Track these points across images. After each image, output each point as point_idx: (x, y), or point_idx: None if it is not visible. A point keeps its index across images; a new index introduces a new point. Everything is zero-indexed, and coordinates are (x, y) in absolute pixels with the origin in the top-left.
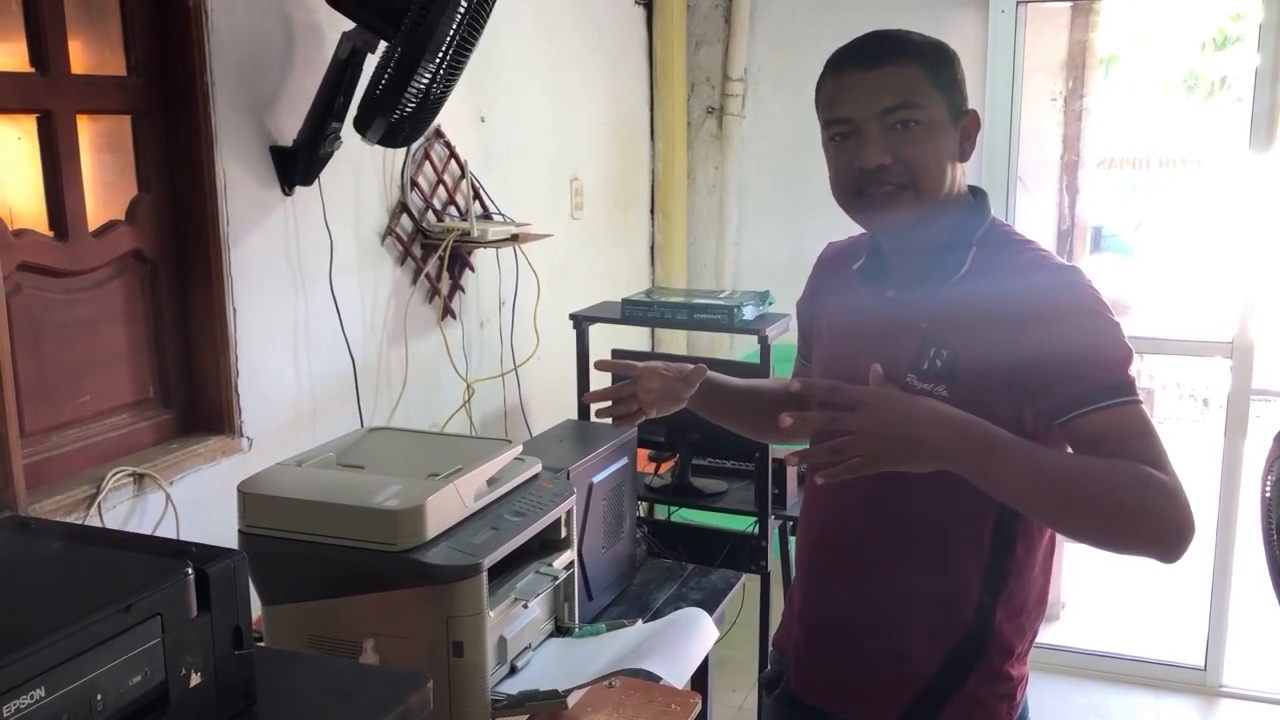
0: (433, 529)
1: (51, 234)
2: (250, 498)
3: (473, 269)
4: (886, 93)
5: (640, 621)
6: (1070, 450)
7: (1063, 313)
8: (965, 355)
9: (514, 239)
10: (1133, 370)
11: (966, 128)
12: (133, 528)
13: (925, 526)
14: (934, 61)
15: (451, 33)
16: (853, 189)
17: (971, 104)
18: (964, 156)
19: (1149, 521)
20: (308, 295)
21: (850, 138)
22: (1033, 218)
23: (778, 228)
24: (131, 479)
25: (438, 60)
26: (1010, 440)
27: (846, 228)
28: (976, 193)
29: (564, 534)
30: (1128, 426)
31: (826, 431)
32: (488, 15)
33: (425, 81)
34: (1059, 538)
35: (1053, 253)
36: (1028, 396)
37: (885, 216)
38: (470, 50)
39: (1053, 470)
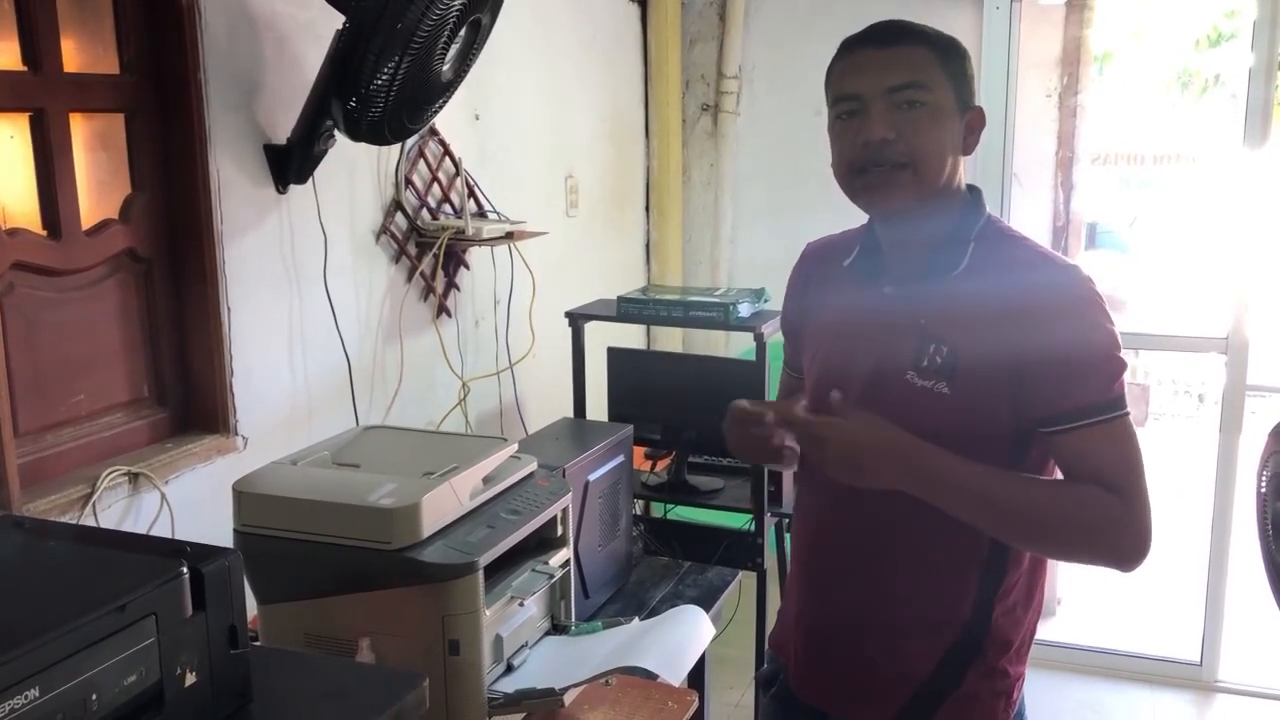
0: (428, 527)
1: (45, 233)
2: (245, 497)
3: (468, 267)
4: (896, 71)
5: (637, 619)
6: (1054, 454)
7: (1061, 314)
8: (965, 352)
9: (509, 237)
10: (1124, 378)
11: (971, 122)
12: (127, 527)
13: (923, 521)
14: (945, 49)
15: (404, 19)
16: (855, 167)
17: None
18: (967, 150)
19: (1089, 546)
20: (302, 294)
21: (857, 115)
22: (1028, 214)
23: (773, 225)
24: (126, 478)
25: (387, 43)
26: (952, 471)
27: (842, 222)
28: (971, 189)
29: (560, 532)
30: (1102, 446)
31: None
32: (454, 13)
33: (371, 64)
34: None
35: (1050, 249)
36: (1022, 396)
37: (885, 197)
38: (424, 40)
39: (994, 498)
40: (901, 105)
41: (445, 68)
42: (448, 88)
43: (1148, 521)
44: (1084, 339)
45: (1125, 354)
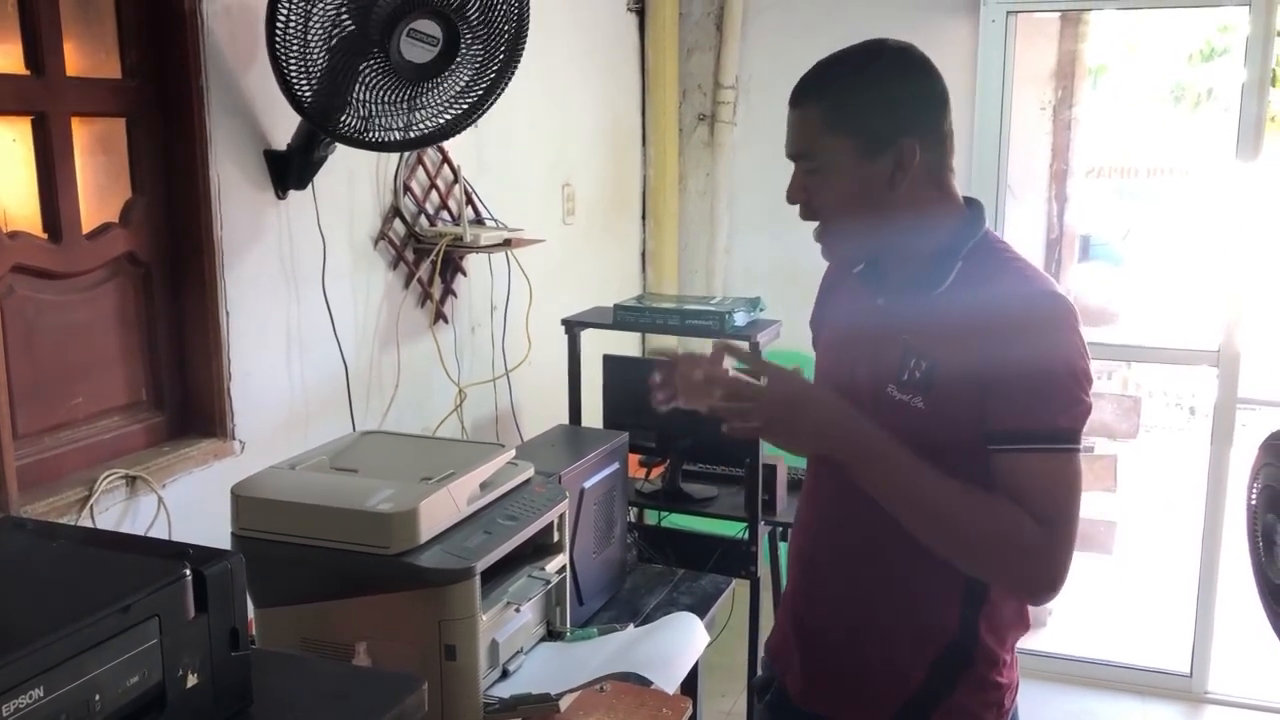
0: (426, 532)
1: (45, 236)
2: (244, 500)
3: (465, 274)
4: (791, 139)
5: (631, 626)
6: (992, 473)
7: (1023, 330)
8: (942, 367)
9: (506, 244)
10: (1078, 414)
11: (900, 159)
12: (125, 530)
13: (907, 538)
14: (838, 100)
15: None
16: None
17: (961, 112)
18: (894, 186)
19: (997, 566)
20: (300, 299)
21: None
22: (1022, 226)
23: (768, 234)
24: (124, 481)
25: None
26: (890, 459)
27: None
28: (971, 204)
29: (556, 538)
30: (1039, 476)
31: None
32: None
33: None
34: None
35: (1040, 271)
36: (983, 413)
37: (824, 252)
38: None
39: (923, 495)
40: (806, 170)
41: (400, 51)
42: (416, 85)
43: (1063, 561)
44: (1041, 360)
45: (1116, 373)
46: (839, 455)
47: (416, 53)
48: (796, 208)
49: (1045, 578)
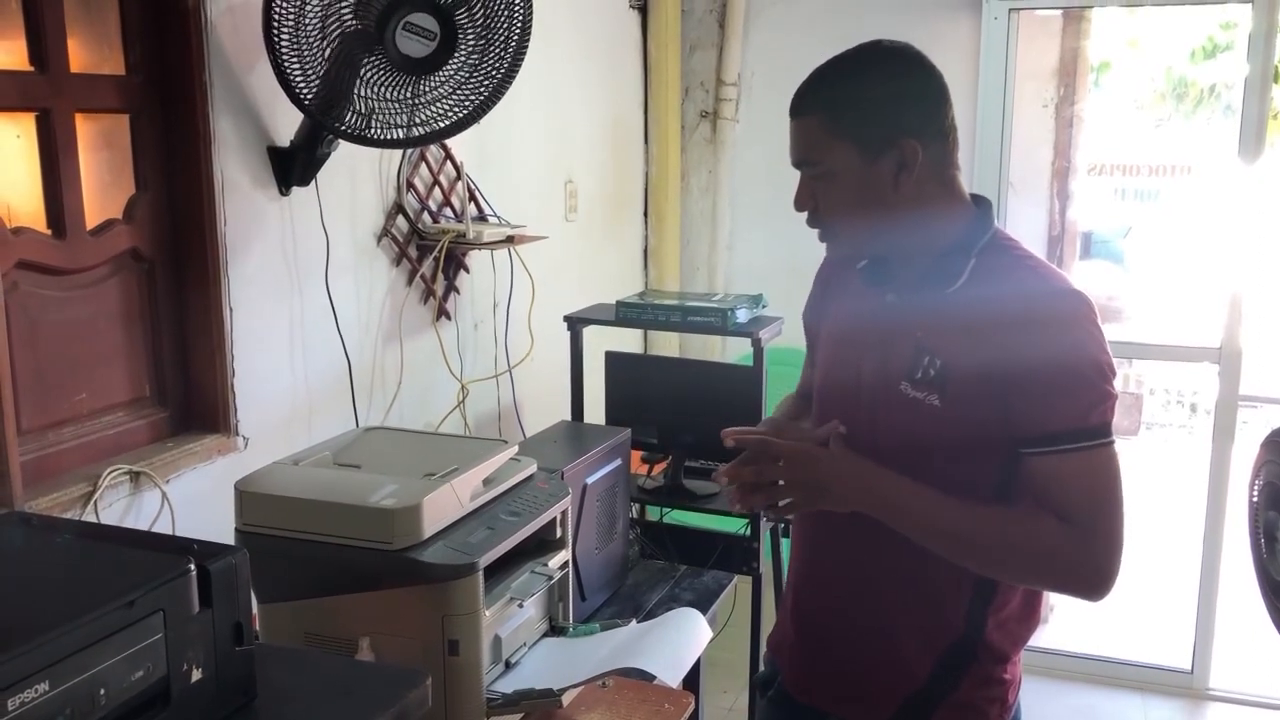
0: (429, 528)
1: (49, 232)
2: (248, 496)
3: (468, 270)
4: (795, 146)
5: (634, 621)
6: (1026, 476)
7: (1044, 329)
8: (956, 366)
9: (509, 241)
10: (1108, 407)
11: (903, 158)
12: (129, 526)
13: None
14: (838, 107)
15: None
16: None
17: (963, 110)
18: (898, 186)
19: (1046, 578)
20: (304, 295)
21: None
22: (1024, 223)
23: (770, 232)
24: (127, 477)
25: None
26: (913, 501)
27: None
28: (979, 201)
29: (559, 534)
30: (1078, 476)
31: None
32: None
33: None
34: None
35: (1054, 268)
36: (1008, 413)
37: (830, 250)
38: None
39: (952, 530)
40: (811, 177)
41: (395, 45)
42: (417, 82)
43: (1109, 555)
44: (1064, 359)
45: (1118, 370)
46: (866, 510)
47: (412, 46)
48: (792, 211)
49: (1096, 580)
